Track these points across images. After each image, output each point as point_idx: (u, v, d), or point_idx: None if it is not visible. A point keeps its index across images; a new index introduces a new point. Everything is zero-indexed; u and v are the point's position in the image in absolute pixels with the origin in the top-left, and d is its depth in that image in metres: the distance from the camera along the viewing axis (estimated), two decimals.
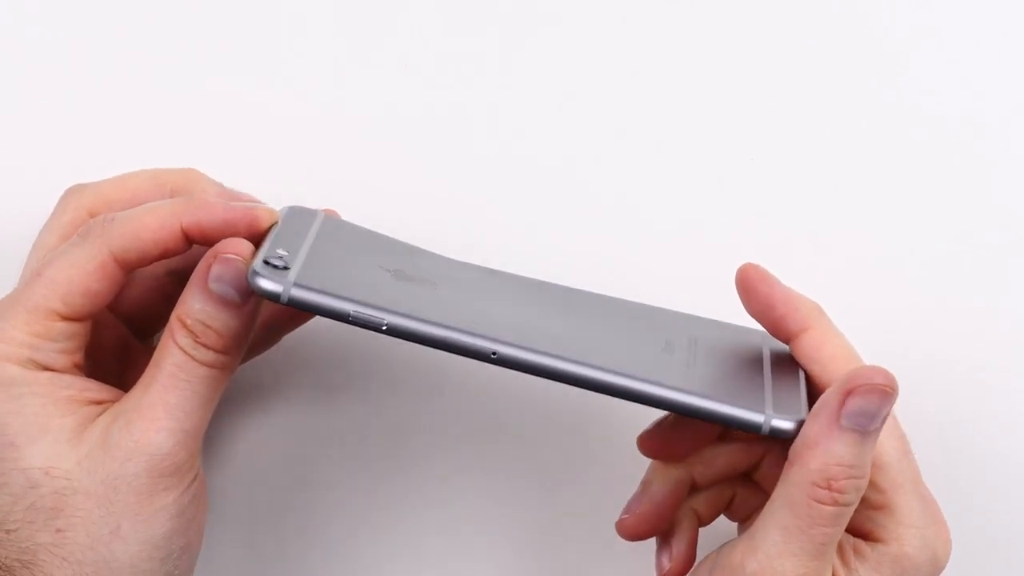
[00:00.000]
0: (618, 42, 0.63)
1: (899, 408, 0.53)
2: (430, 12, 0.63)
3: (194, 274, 0.52)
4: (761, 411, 0.51)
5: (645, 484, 0.57)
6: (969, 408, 0.63)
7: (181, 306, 0.52)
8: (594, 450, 0.63)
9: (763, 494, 0.57)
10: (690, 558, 0.57)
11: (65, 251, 0.53)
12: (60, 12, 0.62)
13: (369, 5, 0.63)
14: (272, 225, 0.53)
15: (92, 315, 0.54)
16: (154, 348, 0.53)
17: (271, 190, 0.59)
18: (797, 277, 0.55)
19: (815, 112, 0.63)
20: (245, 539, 0.64)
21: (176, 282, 0.55)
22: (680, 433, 0.56)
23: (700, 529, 0.58)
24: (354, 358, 0.63)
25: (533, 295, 0.57)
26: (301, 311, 0.51)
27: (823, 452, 0.50)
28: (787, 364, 0.54)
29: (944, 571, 0.53)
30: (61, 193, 0.57)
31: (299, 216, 0.55)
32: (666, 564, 0.57)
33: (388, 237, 0.57)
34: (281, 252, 0.52)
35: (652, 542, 0.58)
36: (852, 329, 0.55)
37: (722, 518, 0.58)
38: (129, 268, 0.53)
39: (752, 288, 0.54)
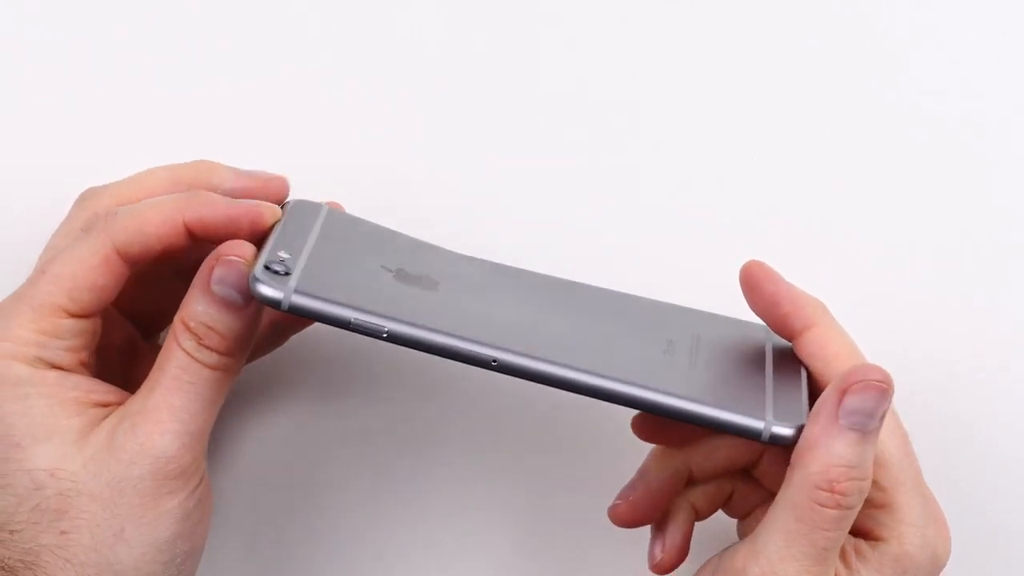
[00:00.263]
0: (618, 42, 0.63)
1: (900, 408, 0.53)
2: (430, 12, 0.63)
3: (196, 276, 0.52)
4: (761, 417, 0.51)
5: (642, 472, 0.57)
6: (969, 408, 0.63)
7: (184, 308, 0.52)
8: (598, 452, 0.63)
9: (762, 491, 0.57)
10: (683, 550, 0.57)
11: (69, 247, 0.53)
12: (61, 13, 0.62)
13: (375, 9, 0.63)
14: (275, 223, 0.54)
15: (98, 311, 0.53)
16: (159, 347, 0.53)
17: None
18: (797, 277, 0.55)
19: (815, 112, 0.63)
20: (248, 541, 0.64)
21: (182, 281, 0.55)
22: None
23: (703, 529, 0.58)
24: (358, 360, 0.63)
25: (535, 291, 0.57)
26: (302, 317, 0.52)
27: (824, 453, 0.50)
28: (789, 363, 0.54)
29: (944, 570, 0.53)
30: (62, 194, 0.57)
31: (302, 211, 0.55)
32: (659, 554, 0.57)
33: (391, 231, 0.57)
34: (283, 255, 0.52)
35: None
36: (852, 329, 0.55)
37: (722, 516, 0.58)
38: (132, 263, 0.53)
39: (757, 285, 0.54)
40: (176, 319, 0.52)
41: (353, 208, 0.58)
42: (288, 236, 0.53)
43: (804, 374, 0.54)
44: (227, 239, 0.52)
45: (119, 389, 0.54)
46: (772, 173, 0.63)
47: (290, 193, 0.57)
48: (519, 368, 0.51)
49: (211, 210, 0.53)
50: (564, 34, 0.63)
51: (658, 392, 0.51)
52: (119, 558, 0.51)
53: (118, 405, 0.53)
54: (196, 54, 0.63)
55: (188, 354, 0.52)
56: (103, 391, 0.53)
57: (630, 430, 0.57)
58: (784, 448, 0.51)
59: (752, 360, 0.55)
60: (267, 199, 0.55)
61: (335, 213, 0.56)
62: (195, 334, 0.52)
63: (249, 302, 0.52)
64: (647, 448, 0.57)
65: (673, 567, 0.57)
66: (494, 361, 0.51)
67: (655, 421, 0.56)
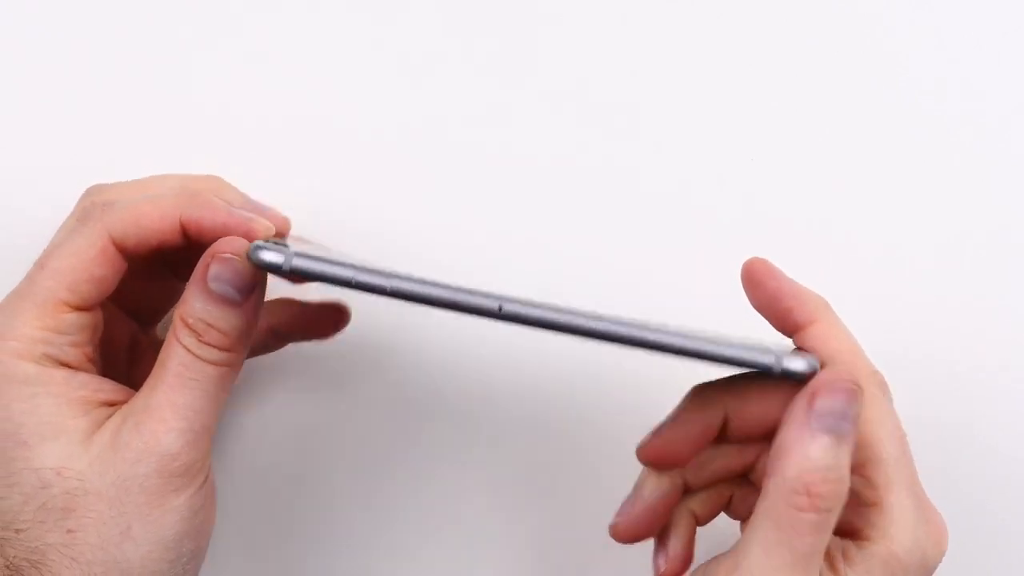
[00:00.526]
0: (618, 42, 0.63)
1: (899, 408, 0.53)
2: (430, 13, 0.63)
3: (194, 274, 0.52)
4: (771, 354, 0.51)
5: (638, 488, 0.56)
6: (969, 408, 0.63)
7: (183, 306, 0.52)
8: (598, 454, 0.63)
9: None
10: (687, 558, 0.56)
11: (66, 239, 0.53)
12: (62, 14, 0.62)
13: (374, 8, 0.63)
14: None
15: (99, 302, 0.53)
16: (161, 341, 0.53)
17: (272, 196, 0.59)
18: (797, 277, 0.55)
19: (815, 112, 0.63)
20: (248, 540, 0.64)
21: (181, 279, 0.55)
22: (678, 438, 0.56)
23: (701, 529, 0.58)
24: (359, 358, 0.63)
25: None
26: (303, 280, 0.51)
27: (798, 458, 0.49)
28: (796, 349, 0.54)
29: (944, 571, 0.53)
30: (62, 194, 0.57)
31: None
32: (662, 565, 0.56)
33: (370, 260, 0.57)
34: (278, 241, 0.52)
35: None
36: (852, 329, 0.55)
37: (724, 517, 0.58)
38: (127, 255, 0.53)
39: (759, 281, 0.54)
40: (176, 316, 0.52)
41: (351, 205, 0.58)
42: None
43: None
44: None
45: (125, 387, 0.54)
46: (772, 173, 0.63)
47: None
48: (526, 316, 0.51)
49: (210, 215, 0.53)
50: (563, 34, 0.63)
51: (670, 333, 0.51)
52: (126, 556, 0.51)
53: (124, 403, 0.53)
54: (196, 54, 0.63)
55: (190, 351, 0.52)
56: (109, 389, 0.53)
57: (634, 433, 0.57)
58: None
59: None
60: (244, 235, 0.54)
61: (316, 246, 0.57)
62: (195, 331, 0.52)
63: (247, 298, 0.52)
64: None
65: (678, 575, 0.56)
66: (500, 308, 0.51)
67: (659, 445, 0.55)
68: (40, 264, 0.53)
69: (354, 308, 0.61)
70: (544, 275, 0.62)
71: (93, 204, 0.54)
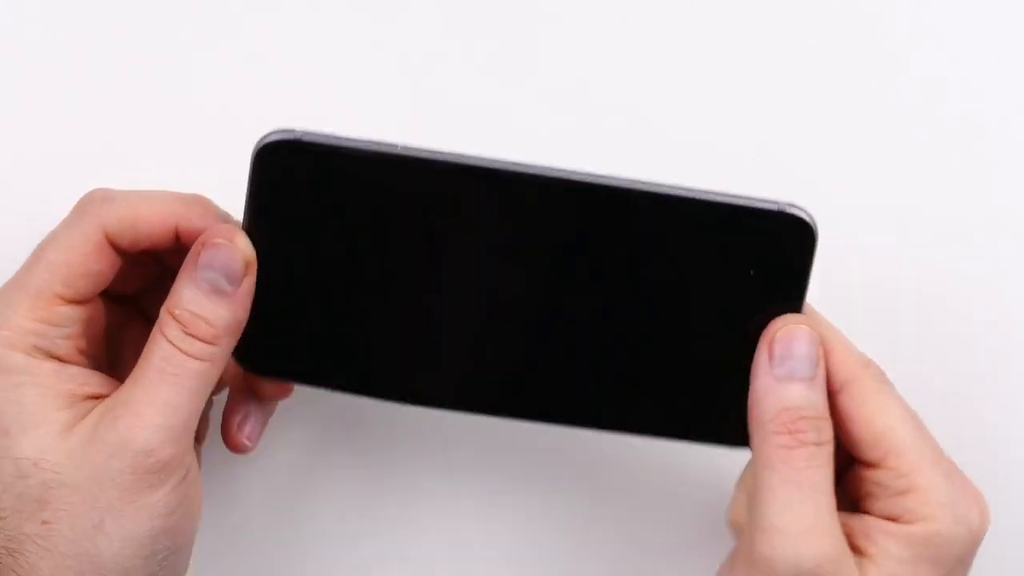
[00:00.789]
0: (618, 42, 0.63)
1: None
2: (430, 13, 0.63)
3: (184, 264, 0.53)
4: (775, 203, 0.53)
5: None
6: (969, 408, 0.63)
7: (171, 297, 0.52)
8: (601, 461, 0.63)
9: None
10: None
11: (62, 231, 0.54)
12: (62, 14, 0.62)
13: (374, 8, 0.63)
14: None
15: (94, 296, 0.54)
16: None
17: None
18: None
19: (815, 112, 0.63)
20: (247, 540, 0.64)
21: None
22: None
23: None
24: None
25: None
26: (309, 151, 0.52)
27: (772, 402, 0.52)
28: None
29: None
30: (63, 194, 0.57)
31: None
32: None
33: None
34: None
35: (665, 544, 0.58)
36: (852, 329, 0.55)
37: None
38: (120, 251, 0.54)
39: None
40: (163, 308, 0.52)
41: None
42: None
43: None
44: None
45: (114, 381, 0.54)
46: (772, 173, 0.63)
47: None
48: (532, 177, 0.52)
49: (204, 224, 0.54)
50: (563, 34, 0.63)
51: (674, 187, 0.53)
52: (99, 551, 0.51)
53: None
54: (196, 54, 0.63)
55: (172, 344, 0.52)
56: (97, 383, 0.53)
57: (635, 451, 0.57)
58: None
59: None
60: None
61: None
62: (180, 322, 0.52)
63: (237, 286, 0.52)
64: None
65: None
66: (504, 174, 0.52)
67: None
68: (37, 255, 0.53)
69: None
70: None
71: (92, 199, 0.54)
